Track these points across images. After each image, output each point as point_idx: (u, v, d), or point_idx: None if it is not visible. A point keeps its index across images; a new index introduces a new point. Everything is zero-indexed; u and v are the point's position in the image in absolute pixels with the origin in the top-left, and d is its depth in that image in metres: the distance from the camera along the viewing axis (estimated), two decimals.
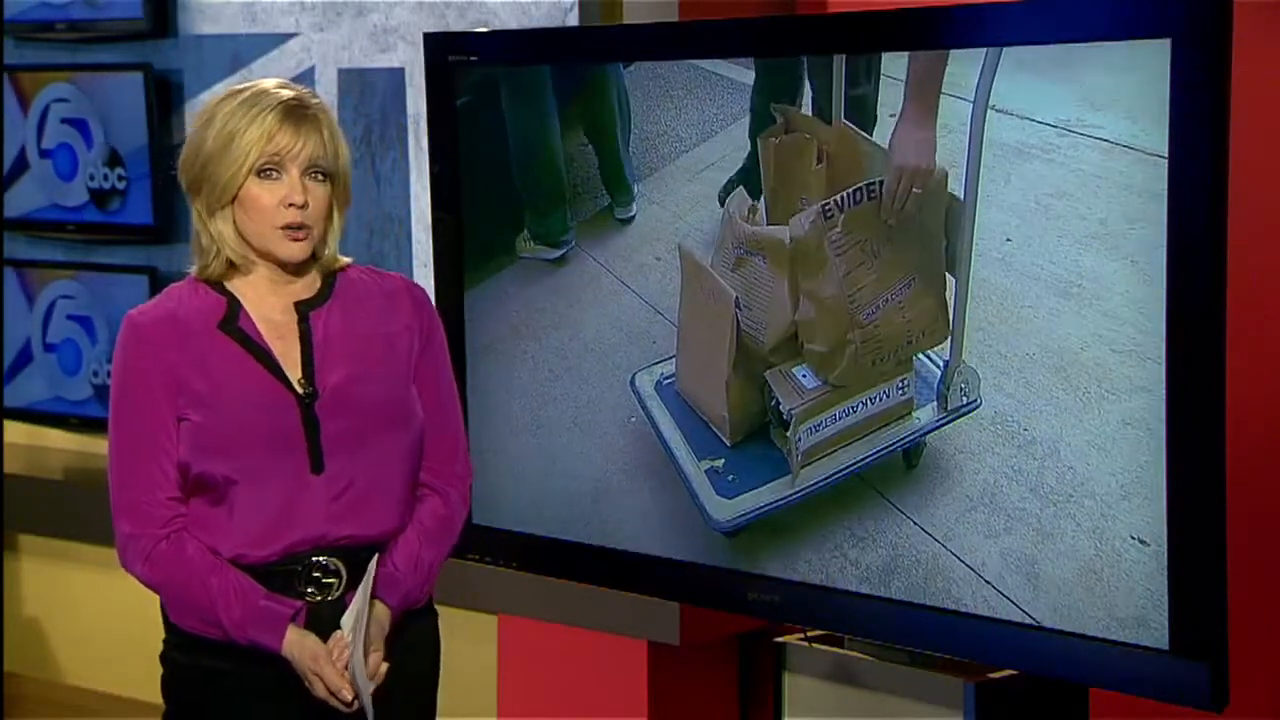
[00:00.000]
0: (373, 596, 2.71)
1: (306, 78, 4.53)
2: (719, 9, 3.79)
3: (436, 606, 2.89)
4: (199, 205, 2.71)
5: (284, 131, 2.65)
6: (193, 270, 2.76)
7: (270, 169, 2.66)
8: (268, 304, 2.74)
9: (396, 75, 4.44)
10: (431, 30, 3.99)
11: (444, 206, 3.67)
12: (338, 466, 2.70)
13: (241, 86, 2.72)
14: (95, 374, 5.08)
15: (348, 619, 2.67)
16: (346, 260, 2.81)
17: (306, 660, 2.66)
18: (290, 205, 2.66)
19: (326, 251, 2.75)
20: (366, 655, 2.68)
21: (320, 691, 2.66)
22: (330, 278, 2.78)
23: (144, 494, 2.69)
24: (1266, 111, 3.32)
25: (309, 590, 2.70)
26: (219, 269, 2.73)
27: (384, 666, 2.69)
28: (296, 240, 2.68)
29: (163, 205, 4.89)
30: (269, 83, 2.73)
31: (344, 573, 2.70)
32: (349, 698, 2.64)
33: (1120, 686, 2.90)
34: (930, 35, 3.00)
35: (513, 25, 4.20)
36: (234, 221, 2.69)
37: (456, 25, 4.30)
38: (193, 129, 2.72)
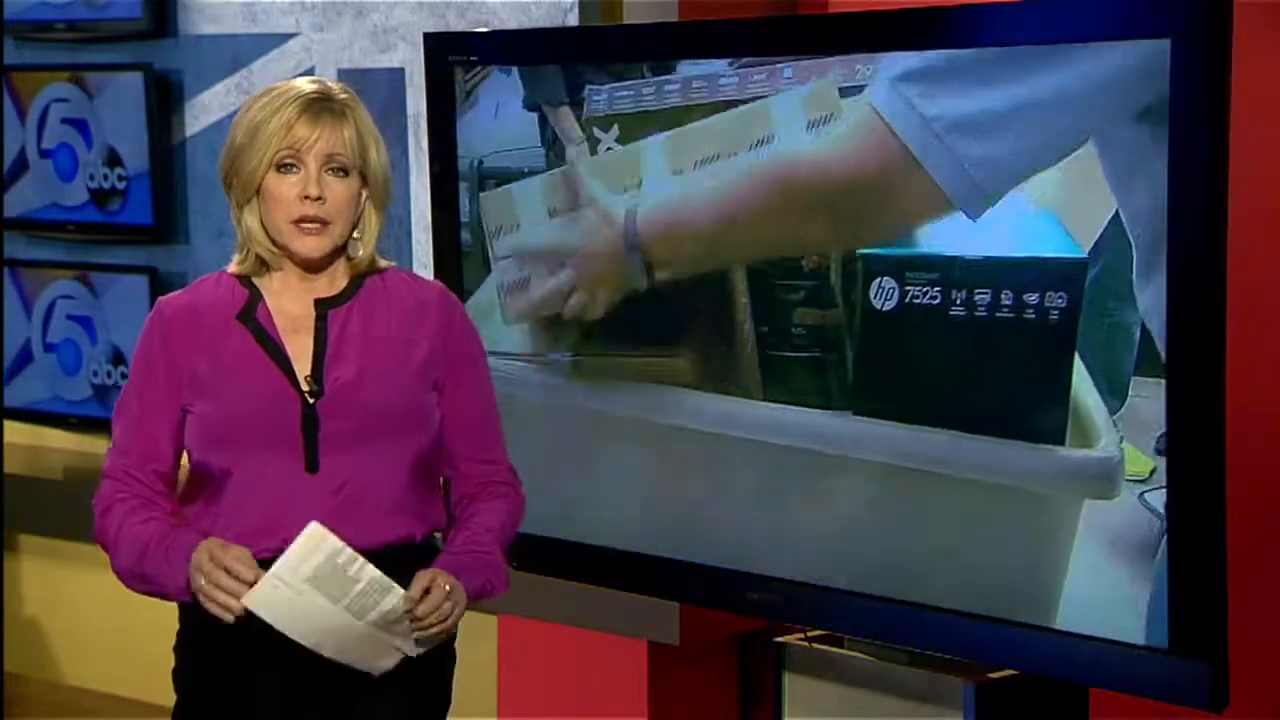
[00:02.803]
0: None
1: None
2: (719, 9, 3.78)
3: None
4: (232, 199, 2.72)
5: (301, 124, 2.65)
6: (229, 266, 2.77)
7: (289, 162, 2.66)
8: (290, 299, 2.73)
9: (396, 75, 4.44)
10: (431, 30, 3.99)
11: (444, 206, 3.67)
12: (333, 467, 2.68)
13: (276, 84, 2.73)
14: (95, 374, 5.09)
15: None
16: (386, 264, 2.79)
17: (208, 552, 2.58)
18: (305, 198, 2.66)
19: (360, 252, 2.73)
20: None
21: (218, 593, 2.57)
22: (359, 279, 2.76)
23: (117, 469, 2.72)
24: (1266, 111, 3.32)
25: None
26: (250, 265, 2.73)
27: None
28: (311, 234, 2.67)
29: (163, 205, 4.89)
30: (301, 80, 2.73)
31: None
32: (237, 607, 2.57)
33: (1120, 686, 2.90)
34: (929, 35, 3.00)
35: (513, 25, 4.20)
36: (260, 216, 2.70)
37: (456, 25, 4.30)
38: (232, 124, 2.74)
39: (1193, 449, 2.75)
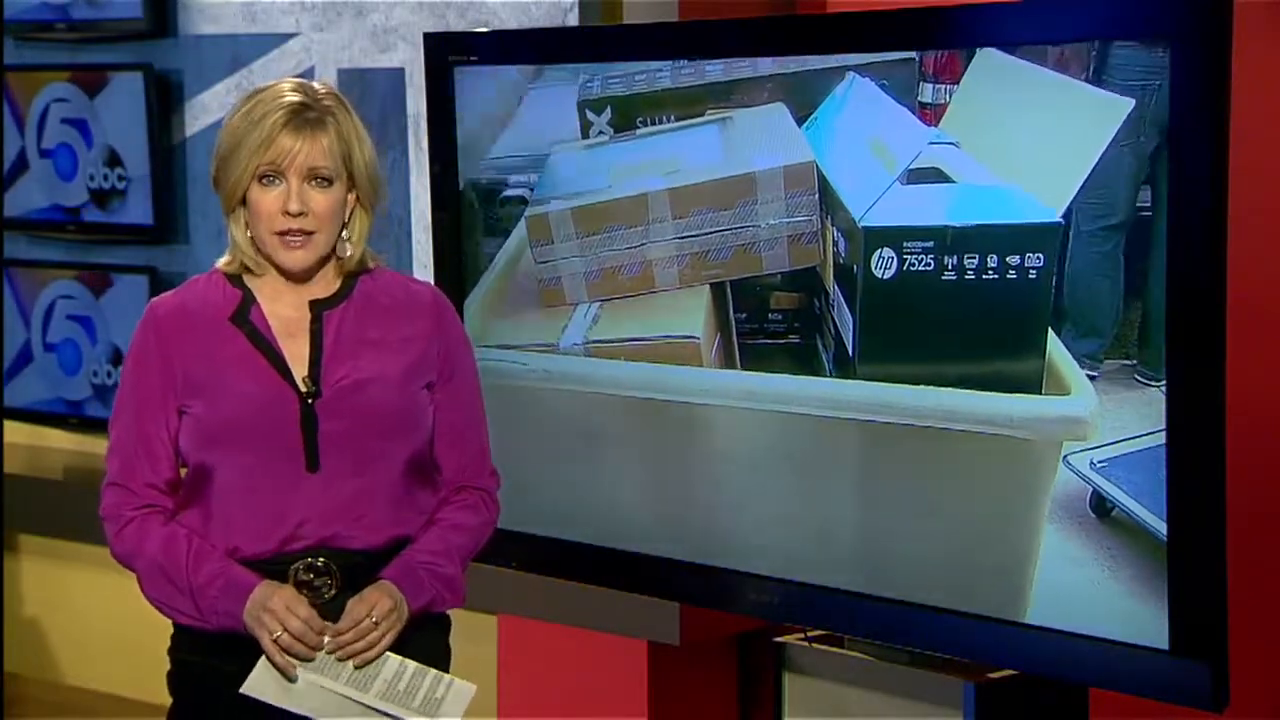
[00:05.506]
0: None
1: (306, 78, 4.52)
2: (719, 9, 3.79)
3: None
4: (221, 204, 2.72)
5: (283, 137, 2.63)
6: (219, 262, 2.76)
7: (270, 175, 2.65)
8: (283, 300, 2.73)
9: (396, 75, 4.44)
10: (431, 30, 3.99)
11: (444, 206, 3.67)
12: (334, 467, 2.68)
13: (261, 87, 2.72)
14: (95, 374, 5.09)
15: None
16: (375, 263, 2.78)
17: (280, 599, 2.63)
18: (286, 213, 2.65)
19: (350, 252, 2.73)
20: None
21: (283, 635, 2.62)
22: (351, 280, 2.76)
23: (122, 476, 2.72)
24: (1266, 111, 3.32)
25: (301, 589, 2.69)
26: (239, 265, 2.73)
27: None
28: (295, 248, 2.67)
29: (163, 205, 4.89)
30: (285, 84, 2.71)
31: (336, 573, 2.69)
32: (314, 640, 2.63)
33: (1120, 686, 2.90)
34: (930, 35, 3.00)
35: (513, 25, 4.20)
36: (245, 224, 2.70)
37: (456, 25, 4.30)
38: (221, 127, 2.73)
39: (1192, 449, 2.75)
